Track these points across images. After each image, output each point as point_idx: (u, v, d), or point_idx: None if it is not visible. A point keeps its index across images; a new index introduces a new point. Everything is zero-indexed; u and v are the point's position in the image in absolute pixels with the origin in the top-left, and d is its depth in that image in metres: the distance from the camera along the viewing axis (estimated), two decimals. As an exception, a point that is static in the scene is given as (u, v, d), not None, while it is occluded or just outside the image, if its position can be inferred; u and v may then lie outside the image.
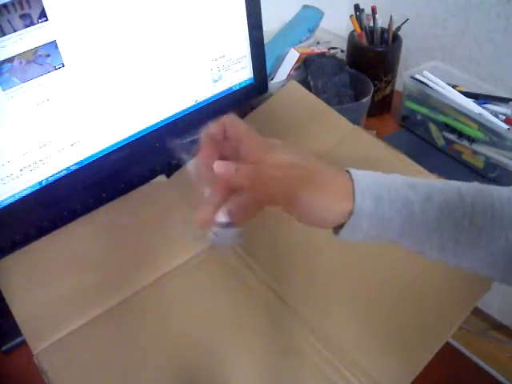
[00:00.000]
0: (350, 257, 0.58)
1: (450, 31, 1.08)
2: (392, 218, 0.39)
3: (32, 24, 0.52)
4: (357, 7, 0.89)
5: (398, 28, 0.89)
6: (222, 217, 0.41)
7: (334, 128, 0.73)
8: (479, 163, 0.79)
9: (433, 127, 0.85)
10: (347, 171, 0.41)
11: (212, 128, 0.43)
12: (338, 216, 0.39)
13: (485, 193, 0.41)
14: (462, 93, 0.81)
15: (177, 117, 0.71)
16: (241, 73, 0.76)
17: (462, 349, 0.56)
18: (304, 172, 0.40)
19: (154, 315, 0.54)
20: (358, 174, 0.40)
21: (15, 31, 0.51)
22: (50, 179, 0.62)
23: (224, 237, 0.42)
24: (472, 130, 0.78)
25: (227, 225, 0.42)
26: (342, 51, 0.95)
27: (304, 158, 0.41)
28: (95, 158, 0.65)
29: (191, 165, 0.44)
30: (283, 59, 0.89)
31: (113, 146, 0.67)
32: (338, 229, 0.41)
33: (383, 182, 0.40)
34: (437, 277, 0.55)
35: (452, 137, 0.82)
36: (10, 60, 0.52)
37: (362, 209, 0.38)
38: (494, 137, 0.76)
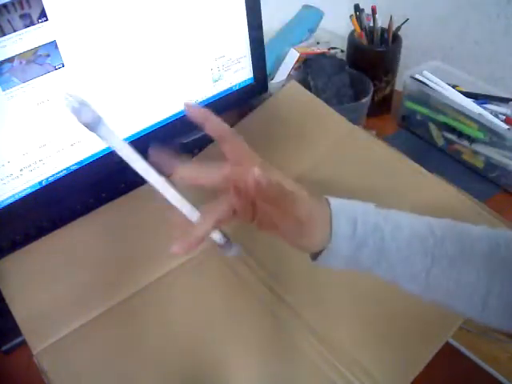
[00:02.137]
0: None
1: (450, 31, 1.08)
2: (366, 241, 0.40)
3: (32, 24, 0.52)
4: (357, 7, 0.89)
5: (398, 28, 0.89)
6: (217, 238, 0.41)
7: (334, 128, 0.73)
8: (479, 163, 0.79)
9: (433, 127, 0.85)
10: (326, 199, 0.42)
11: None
12: (318, 241, 0.40)
13: (456, 228, 0.42)
14: (462, 93, 0.81)
15: (177, 117, 0.71)
16: (241, 73, 0.76)
17: (462, 349, 0.56)
18: (293, 204, 0.39)
19: (154, 315, 0.54)
20: (334, 202, 0.41)
21: (15, 31, 0.51)
22: (50, 179, 0.62)
23: (223, 252, 0.42)
24: (472, 130, 0.78)
25: (224, 244, 0.41)
26: (342, 51, 0.95)
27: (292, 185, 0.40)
28: (95, 158, 0.65)
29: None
30: (283, 59, 0.89)
31: (113, 146, 0.66)
32: (316, 255, 0.42)
33: (357, 209, 0.42)
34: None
35: (452, 137, 0.82)
36: (10, 60, 0.52)
37: (338, 232, 0.40)
38: (493, 137, 0.76)
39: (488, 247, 0.40)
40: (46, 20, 0.53)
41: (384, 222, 0.41)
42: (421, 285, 0.41)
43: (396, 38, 0.88)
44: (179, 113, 0.71)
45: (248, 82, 0.78)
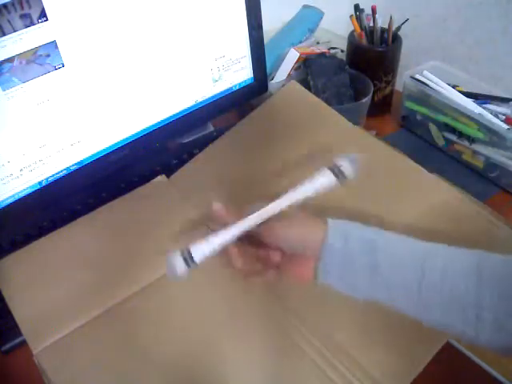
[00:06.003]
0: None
1: (450, 31, 1.08)
2: (359, 254, 0.43)
3: (32, 24, 0.52)
4: (357, 7, 0.89)
5: (398, 28, 0.89)
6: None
7: (333, 128, 0.73)
8: (479, 163, 0.79)
9: (433, 127, 0.85)
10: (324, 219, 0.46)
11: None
12: (314, 245, 0.44)
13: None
14: (462, 93, 0.81)
15: (177, 117, 0.71)
16: (241, 73, 0.76)
17: (462, 349, 0.56)
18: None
19: (154, 315, 0.54)
20: (333, 220, 0.46)
21: (15, 31, 0.51)
22: (50, 179, 0.62)
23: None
24: (472, 130, 0.78)
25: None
26: (342, 51, 0.95)
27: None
28: (95, 158, 0.65)
29: None
30: (283, 59, 0.89)
31: (113, 145, 0.67)
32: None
33: (355, 225, 0.45)
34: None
35: (452, 137, 0.82)
36: (10, 60, 0.52)
37: (332, 244, 0.43)
38: (493, 137, 0.76)
39: (477, 258, 0.41)
40: (46, 20, 0.53)
41: (376, 234, 0.44)
42: (414, 299, 0.41)
43: (396, 38, 0.88)
44: (179, 113, 0.71)
45: (248, 82, 0.78)
